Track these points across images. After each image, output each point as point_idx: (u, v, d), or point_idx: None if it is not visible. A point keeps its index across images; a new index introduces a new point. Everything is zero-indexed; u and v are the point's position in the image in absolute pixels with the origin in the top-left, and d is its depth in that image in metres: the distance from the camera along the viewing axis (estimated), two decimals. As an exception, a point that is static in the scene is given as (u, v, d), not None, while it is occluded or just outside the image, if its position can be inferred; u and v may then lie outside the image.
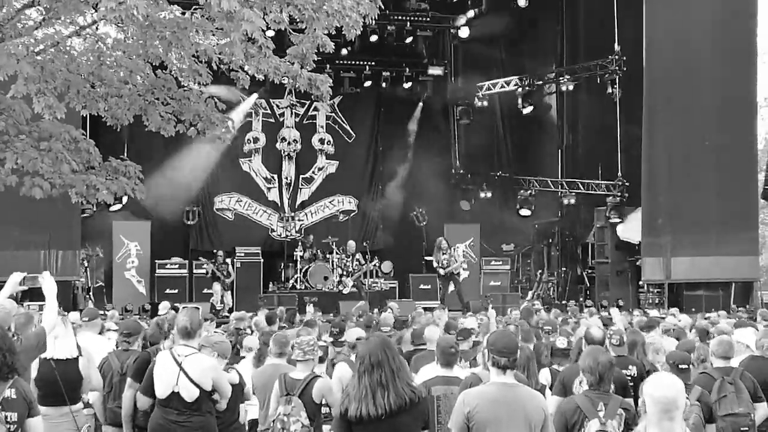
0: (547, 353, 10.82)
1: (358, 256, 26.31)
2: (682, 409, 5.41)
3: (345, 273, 25.96)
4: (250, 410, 9.54)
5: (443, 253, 25.23)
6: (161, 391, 7.97)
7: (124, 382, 8.97)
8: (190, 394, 7.85)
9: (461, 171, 32.12)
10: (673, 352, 9.28)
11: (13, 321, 8.23)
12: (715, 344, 9.13)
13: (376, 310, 20.24)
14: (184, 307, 11.59)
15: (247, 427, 9.54)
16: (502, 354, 6.34)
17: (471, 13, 30.07)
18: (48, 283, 7.83)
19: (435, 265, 25.46)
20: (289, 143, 30.78)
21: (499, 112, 32.02)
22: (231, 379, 8.58)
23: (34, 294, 14.66)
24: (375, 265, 26.55)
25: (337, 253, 26.52)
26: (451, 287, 25.35)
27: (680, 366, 8.70)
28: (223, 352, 9.09)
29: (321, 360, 9.23)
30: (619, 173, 26.73)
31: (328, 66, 25.19)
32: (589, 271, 29.06)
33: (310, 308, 17.04)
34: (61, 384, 8.37)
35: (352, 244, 26.56)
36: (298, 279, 26.50)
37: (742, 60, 24.75)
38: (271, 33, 12.12)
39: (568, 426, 6.74)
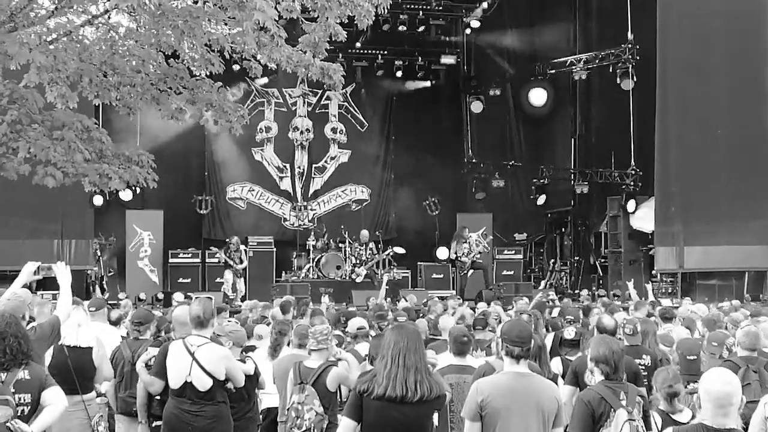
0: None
1: (371, 245, 26.32)
2: (737, 406, 5.42)
3: (358, 262, 25.96)
4: (264, 399, 9.56)
5: (464, 242, 25.24)
6: (174, 382, 7.97)
7: (135, 372, 8.98)
8: (203, 383, 7.86)
9: (474, 160, 32.02)
10: (682, 341, 9.29)
11: (28, 310, 8.25)
12: (742, 335, 9.09)
13: (389, 300, 20.26)
14: (196, 297, 11.65)
15: (261, 416, 9.57)
16: (515, 343, 6.34)
17: (485, 4, 29.93)
18: (62, 273, 7.86)
19: (454, 255, 25.44)
20: (301, 132, 30.78)
21: (511, 101, 31.96)
22: (247, 369, 8.59)
23: (47, 283, 14.74)
24: (388, 254, 26.54)
25: (349, 243, 26.52)
26: (470, 273, 25.45)
27: (688, 357, 8.69)
28: (237, 340, 9.11)
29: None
30: (632, 162, 26.67)
31: (340, 55, 25.15)
32: (602, 260, 29.01)
33: (325, 299, 17.04)
34: (72, 371, 8.39)
35: (365, 233, 26.55)
36: (311, 268, 26.48)
37: (756, 50, 24.63)
38: (283, 22, 12.09)
39: (595, 416, 6.69)
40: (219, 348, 8.09)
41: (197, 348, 7.91)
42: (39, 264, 7.98)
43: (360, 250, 26.13)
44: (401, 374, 6.09)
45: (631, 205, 26.79)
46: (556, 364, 9.43)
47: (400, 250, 27.27)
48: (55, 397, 6.36)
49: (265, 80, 26.84)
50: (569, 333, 10.13)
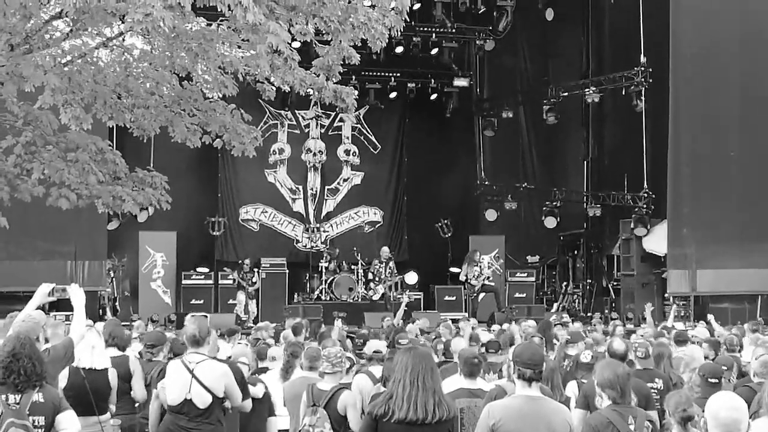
0: (563, 361, 10.83)
1: (391, 264, 26.41)
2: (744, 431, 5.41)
3: (377, 279, 26.01)
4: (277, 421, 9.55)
5: (475, 265, 25.23)
6: (173, 398, 8.00)
7: (149, 393, 9.02)
8: (203, 400, 7.90)
9: (486, 182, 32.02)
10: (705, 364, 9.22)
11: (42, 331, 8.29)
12: (758, 365, 9.07)
13: (401, 322, 20.22)
14: (192, 316, 11.66)
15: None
16: (527, 366, 6.35)
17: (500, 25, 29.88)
18: (76, 294, 7.89)
19: (464, 278, 25.41)
20: (314, 154, 30.84)
21: (524, 123, 31.97)
22: (255, 393, 8.60)
23: (61, 305, 14.76)
24: (401, 278, 26.60)
25: (362, 264, 26.55)
26: (481, 296, 25.44)
27: (710, 380, 8.64)
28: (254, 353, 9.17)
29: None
30: (645, 185, 26.58)
31: (353, 77, 25.20)
32: (615, 283, 28.87)
33: (338, 322, 17.04)
34: (90, 393, 8.43)
35: (385, 249, 26.76)
36: (323, 290, 26.51)
37: (770, 73, 24.62)
38: (296, 44, 12.14)
39: (602, 441, 6.69)
40: (218, 364, 8.16)
41: (196, 365, 7.96)
42: (53, 285, 8.01)
43: (380, 267, 26.21)
44: (422, 397, 6.13)
45: (640, 230, 26.61)
46: (571, 388, 9.39)
47: (411, 280, 27.36)
48: (68, 422, 6.38)
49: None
50: (585, 356, 10.10)
